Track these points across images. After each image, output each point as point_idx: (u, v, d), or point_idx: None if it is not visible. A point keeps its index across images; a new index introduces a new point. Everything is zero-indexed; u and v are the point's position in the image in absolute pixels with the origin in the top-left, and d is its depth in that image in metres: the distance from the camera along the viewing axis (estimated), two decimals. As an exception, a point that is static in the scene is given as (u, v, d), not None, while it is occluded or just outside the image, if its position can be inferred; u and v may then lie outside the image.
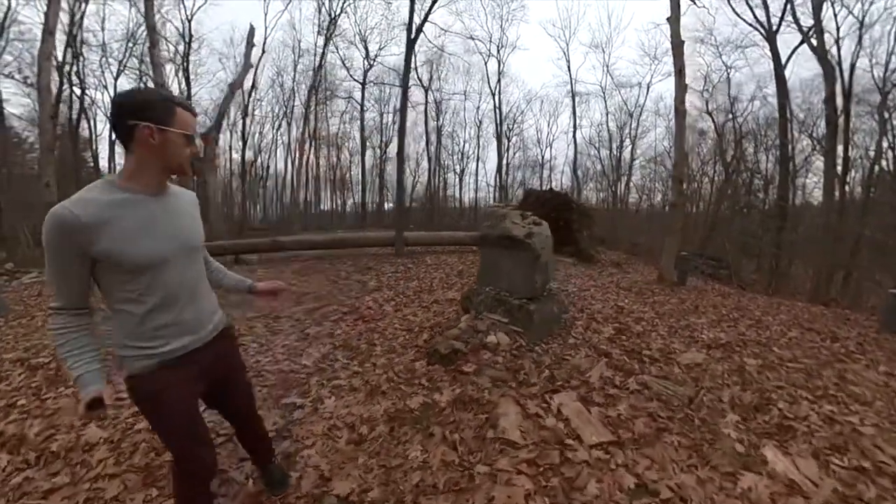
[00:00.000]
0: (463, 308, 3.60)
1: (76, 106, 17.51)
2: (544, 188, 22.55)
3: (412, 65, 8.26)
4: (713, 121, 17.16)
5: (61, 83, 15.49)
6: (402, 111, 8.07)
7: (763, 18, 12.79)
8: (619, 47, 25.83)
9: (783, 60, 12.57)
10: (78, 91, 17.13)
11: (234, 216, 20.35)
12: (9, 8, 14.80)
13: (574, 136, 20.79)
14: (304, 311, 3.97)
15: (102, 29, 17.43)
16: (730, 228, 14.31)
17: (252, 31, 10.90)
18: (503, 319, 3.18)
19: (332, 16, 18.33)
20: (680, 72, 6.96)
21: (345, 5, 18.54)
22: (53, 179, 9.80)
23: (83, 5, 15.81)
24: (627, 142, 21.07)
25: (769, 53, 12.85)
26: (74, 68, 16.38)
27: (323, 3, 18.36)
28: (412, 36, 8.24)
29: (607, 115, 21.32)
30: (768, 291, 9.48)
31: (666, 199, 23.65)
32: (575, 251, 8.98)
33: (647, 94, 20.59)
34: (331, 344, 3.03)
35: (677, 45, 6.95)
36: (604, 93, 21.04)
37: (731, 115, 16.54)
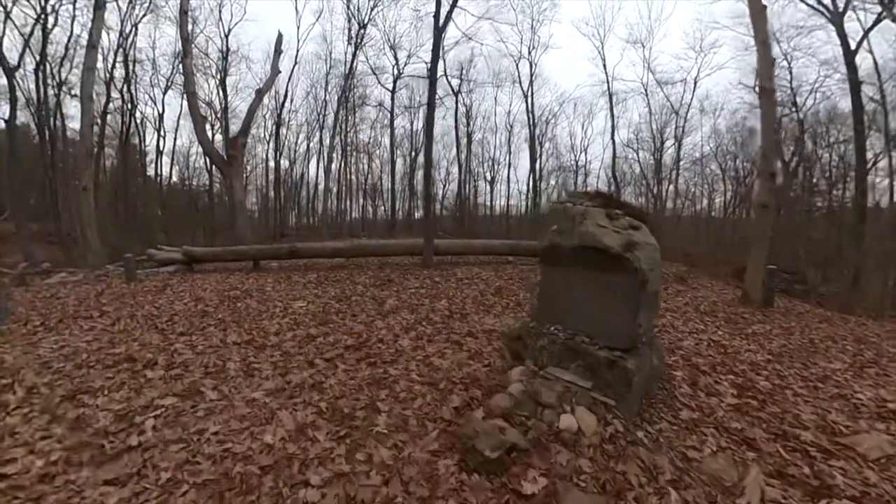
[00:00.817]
0: (511, 351, 2.51)
1: (126, 119, 18.53)
2: (588, 190, 20.91)
3: (440, 54, 7.44)
4: None
5: (108, 98, 16.45)
6: (431, 103, 7.28)
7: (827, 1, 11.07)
8: (660, 40, 23.72)
9: (853, 45, 10.77)
10: (129, 106, 18.15)
11: (269, 223, 20.70)
12: (71, 33, 16.07)
13: (612, 137, 19.28)
14: (301, 339, 3.15)
15: (153, 48, 18.55)
16: (800, 235, 12.33)
17: (280, 37, 10.77)
18: (583, 383, 2.06)
19: (362, 24, 18.30)
20: (764, 42, 5.64)
21: (373, 13, 18.45)
22: (91, 184, 10.04)
23: (135, 28, 16.86)
24: (668, 142, 19.30)
25: (836, 38, 11.09)
26: (126, 85, 17.41)
27: (352, 14, 18.40)
28: (440, 24, 7.49)
29: (650, 114, 19.59)
30: (853, 308, 7.80)
31: (713, 203, 21.46)
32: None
33: (694, 89, 18.53)
34: (315, 407, 2.07)
35: (758, 11, 5.65)
36: (646, 90, 19.34)
37: (793, 107, 14.42)
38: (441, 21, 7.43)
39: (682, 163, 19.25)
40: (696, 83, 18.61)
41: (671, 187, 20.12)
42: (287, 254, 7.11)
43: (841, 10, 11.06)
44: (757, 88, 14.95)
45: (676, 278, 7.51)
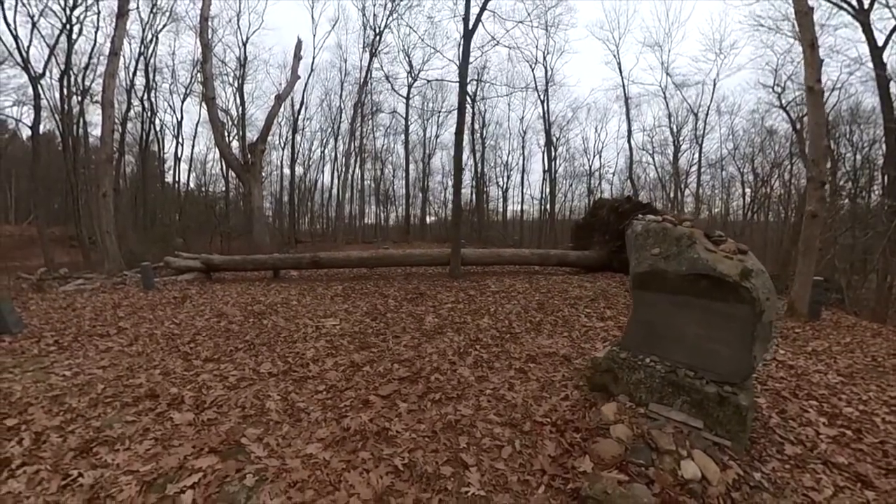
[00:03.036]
0: (592, 383, 2.17)
1: (146, 127, 18.69)
2: (615, 196, 20.62)
3: (469, 58, 7.17)
4: (789, 116, 14.74)
5: (129, 103, 16.57)
6: (461, 105, 6.95)
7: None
8: (678, 43, 23.21)
9: (880, 42, 10.29)
10: (149, 113, 18.31)
11: (283, 227, 20.62)
12: (95, 42, 16.31)
13: (629, 141, 18.86)
14: (345, 368, 2.77)
15: (173, 57, 18.73)
16: (835, 241, 11.67)
17: (299, 44, 10.64)
18: (695, 423, 1.74)
19: (377, 31, 18.22)
20: (812, 44, 5.31)
21: (389, 21, 18.36)
22: (110, 190, 9.92)
23: (156, 37, 17.04)
24: (685, 145, 18.84)
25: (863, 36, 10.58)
26: (146, 93, 17.57)
27: (367, 21, 18.34)
28: (469, 27, 7.23)
29: (669, 117, 19.11)
30: (885, 316, 7.31)
31: (731, 206, 20.75)
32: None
33: (714, 92, 18.02)
34: (389, 464, 1.66)
35: (804, 13, 5.37)
36: (664, 93, 18.89)
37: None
38: (470, 24, 7.16)
39: (699, 165, 18.71)
40: (714, 85, 18.13)
41: (686, 190, 19.58)
42: (309, 263, 6.80)
43: (867, 6, 10.60)
44: (777, 88, 14.55)
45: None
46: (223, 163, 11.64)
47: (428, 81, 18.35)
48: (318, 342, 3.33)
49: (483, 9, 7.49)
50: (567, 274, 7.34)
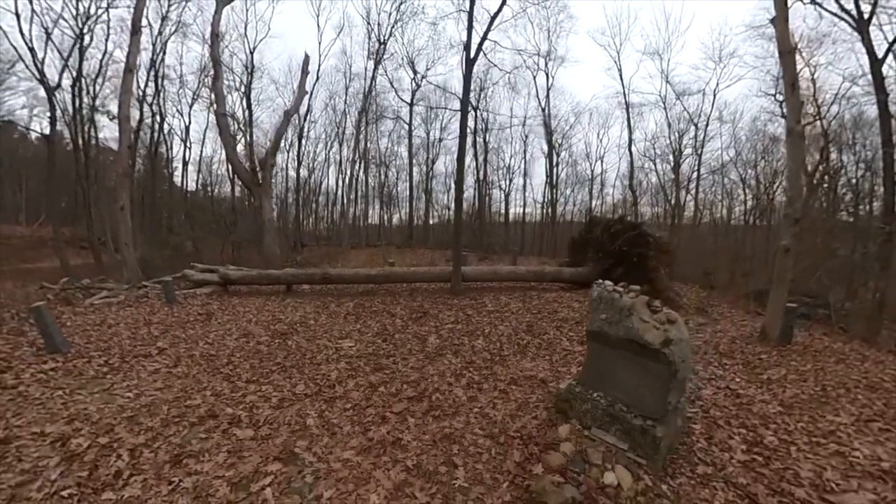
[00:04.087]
0: (558, 408, 2.82)
1: (155, 133, 19.21)
2: (609, 215, 21.15)
3: (471, 86, 7.68)
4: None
5: (141, 113, 17.11)
6: (462, 133, 7.50)
7: (850, 7, 10.84)
8: (678, 52, 23.57)
9: (880, 54, 10.52)
10: (158, 119, 18.83)
11: (287, 230, 21.20)
12: (105, 50, 16.80)
13: (630, 148, 19.33)
14: (364, 388, 3.41)
15: (180, 63, 19.20)
16: (825, 254, 12.07)
17: (307, 59, 11.13)
18: (621, 445, 2.37)
19: (382, 40, 18.68)
20: (793, 85, 5.67)
21: (393, 29, 18.82)
22: (128, 203, 10.51)
23: (164, 46, 17.51)
24: (687, 151, 19.26)
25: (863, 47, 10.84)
26: (155, 100, 18.08)
27: (372, 29, 18.80)
28: (472, 56, 7.73)
29: (668, 125, 19.55)
30: (877, 334, 7.57)
31: (734, 212, 21.22)
32: (651, 292, 7.76)
33: (714, 101, 18.48)
34: (403, 465, 2.34)
35: (787, 53, 5.65)
36: (664, 102, 19.32)
37: (815, 118, 14.22)
38: (472, 53, 7.65)
39: (700, 173, 19.16)
40: (715, 95, 18.53)
41: (688, 196, 20.04)
42: (320, 280, 7.43)
43: (866, 17, 10.81)
44: (779, 97, 14.93)
45: (697, 310, 7.56)
46: (234, 175, 12.21)
47: (431, 109, 18.77)
48: (339, 363, 3.96)
49: (484, 38, 7.95)
50: (561, 290, 7.95)
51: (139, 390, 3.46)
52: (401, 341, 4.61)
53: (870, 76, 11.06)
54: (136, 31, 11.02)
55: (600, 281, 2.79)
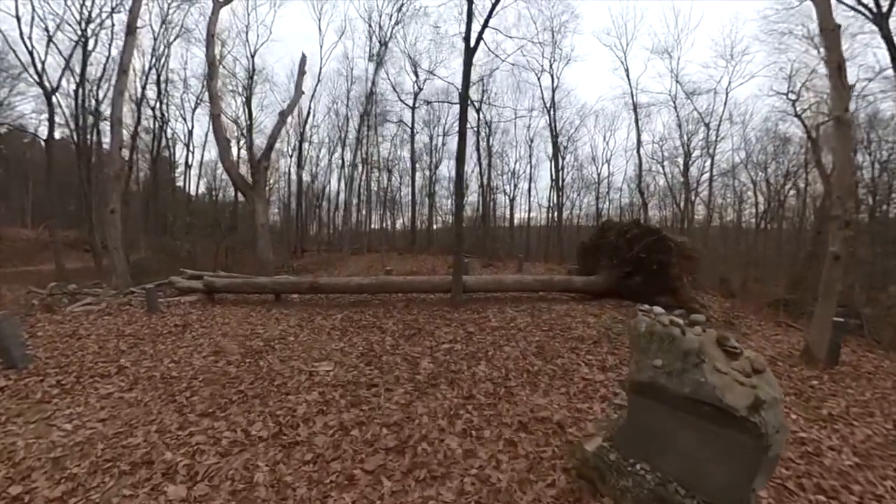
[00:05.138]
0: (581, 473, 2.12)
1: (156, 136, 19.04)
2: (624, 219, 20.47)
3: (470, 79, 7.10)
4: (804, 124, 14.42)
5: (139, 115, 16.92)
6: (462, 130, 6.90)
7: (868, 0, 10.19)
8: (688, 50, 22.61)
9: None
10: (160, 123, 18.67)
11: (288, 236, 20.81)
12: (109, 55, 16.71)
13: (638, 150, 18.68)
14: (334, 431, 2.76)
15: (184, 67, 19.07)
16: (856, 262, 11.21)
17: (304, 59, 10.72)
18: None
19: (383, 41, 18.32)
20: (839, 67, 5.00)
21: (394, 31, 18.46)
22: (118, 206, 10.10)
23: (167, 49, 17.38)
24: (696, 153, 18.62)
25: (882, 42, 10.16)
26: (159, 104, 17.93)
27: (374, 31, 18.46)
28: (472, 45, 7.14)
29: (679, 126, 18.84)
30: None
31: (743, 215, 20.30)
32: (674, 304, 7.02)
33: (726, 100, 17.73)
34: None
35: (829, 30, 4.99)
36: (674, 101, 18.63)
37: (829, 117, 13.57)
38: (472, 42, 7.08)
39: (710, 175, 18.43)
40: (727, 93, 17.80)
41: (697, 199, 19.31)
42: (308, 289, 6.85)
43: (885, 10, 10.24)
44: (791, 95, 14.23)
45: (725, 322, 6.83)
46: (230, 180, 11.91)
47: (428, 103, 18.33)
48: (310, 394, 3.34)
49: (485, 26, 7.36)
50: (572, 301, 7.26)
51: (81, 421, 3.02)
52: (388, 365, 3.97)
53: (890, 71, 10.48)
54: (131, 31, 10.71)
55: (647, 308, 2.11)
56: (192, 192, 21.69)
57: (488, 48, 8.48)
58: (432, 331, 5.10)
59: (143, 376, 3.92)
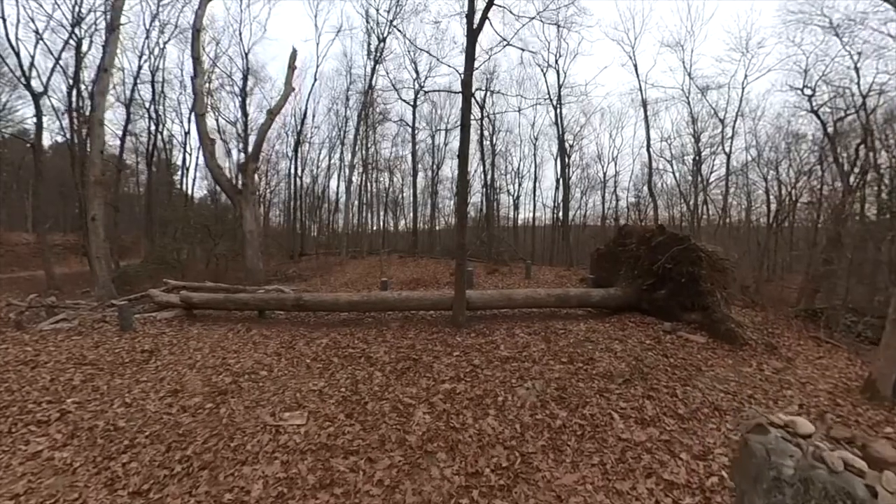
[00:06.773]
0: None
1: (153, 139, 18.54)
2: (632, 218, 19.52)
3: (473, 64, 6.30)
4: (820, 120, 13.48)
5: (128, 116, 16.39)
6: (465, 123, 6.10)
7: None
8: (701, 43, 21.46)
9: None
10: (155, 125, 18.16)
11: (288, 238, 20.21)
12: (103, 55, 16.18)
13: (648, 148, 17.77)
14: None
15: (181, 69, 18.52)
16: (889, 266, 10.27)
17: (294, 53, 10.01)
18: None
19: (381, 37, 17.56)
20: None
21: (393, 25, 17.65)
22: (100, 213, 9.46)
23: (163, 50, 16.81)
24: (706, 152, 17.71)
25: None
26: (154, 105, 17.38)
27: (372, 28, 17.69)
28: (474, 26, 6.28)
29: (693, 121, 17.87)
30: None
31: (752, 214, 19.28)
32: (705, 322, 6.19)
33: (742, 95, 16.71)
34: None
35: None
36: (686, 96, 17.68)
37: (851, 110, 12.63)
38: (475, 23, 6.24)
39: (727, 171, 17.49)
40: (743, 89, 16.81)
41: (706, 198, 18.41)
42: (293, 306, 6.15)
43: None
44: (807, 91, 13.30)
45: (766, 345, 5.94)
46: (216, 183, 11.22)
47: (426, 92, 17.54)
48: (271, 465, 2.61)
49: (490, 3, 6.50)
50: (589, 318, 6.46)
51: (-3, 493, 2.40)
52: (373, 417, 3.23)
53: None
54: (112, 28, 10.11)
55: (762, 415, 1.32)
56: (193, 196, 21.17)
57: (494, 29, 7.60)
58: (430, 363, 4.34)
59: (84, 426, 3.29)
